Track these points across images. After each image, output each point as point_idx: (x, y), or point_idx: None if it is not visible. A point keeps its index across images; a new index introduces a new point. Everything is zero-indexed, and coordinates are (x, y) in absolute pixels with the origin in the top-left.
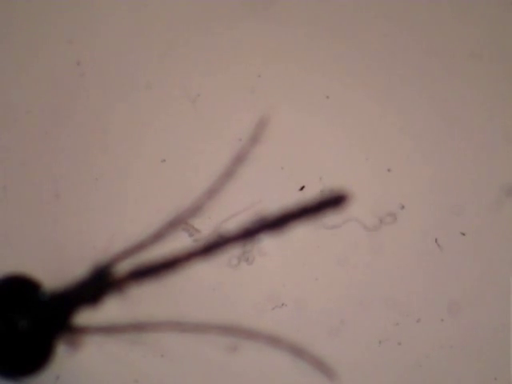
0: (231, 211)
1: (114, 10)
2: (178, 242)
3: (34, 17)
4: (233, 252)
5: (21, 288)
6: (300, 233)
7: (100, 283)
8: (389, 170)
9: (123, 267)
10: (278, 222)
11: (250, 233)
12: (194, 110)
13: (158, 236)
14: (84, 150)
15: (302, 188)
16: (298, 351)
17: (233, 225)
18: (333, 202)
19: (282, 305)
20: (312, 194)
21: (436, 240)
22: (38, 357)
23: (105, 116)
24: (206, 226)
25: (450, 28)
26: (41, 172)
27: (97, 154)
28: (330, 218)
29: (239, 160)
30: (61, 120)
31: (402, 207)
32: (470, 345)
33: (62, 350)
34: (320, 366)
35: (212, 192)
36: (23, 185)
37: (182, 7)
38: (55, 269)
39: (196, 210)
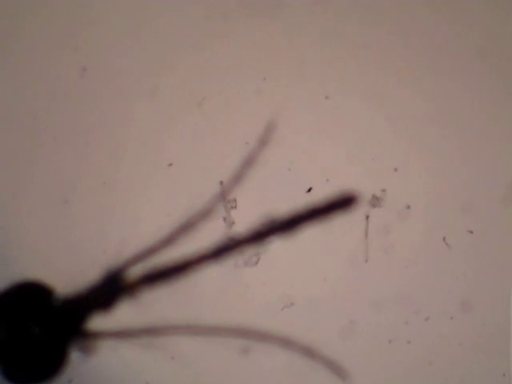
0: (241, 214)
1: (118, 15)
2: (190, 245)
3: (40, 24)
4: (242, 254)
5: (33, 294)
6: (308, 233)
7: (112, 288)
8: (395, 170)
9: (135, 271)
10: (288, 224)
11: (260, 235)
12: (199, 114)
13: (169, 240)
14: (91, 155)
15: (310, 190)
16: (309, 352)
17: (243, 227)
18: (342, 203)
19: (291, 304)
20: (319, 195)
21: (444, 238)
22: (52, 362)
23: (111, 121)
24: (217, 229)
25: (454, 27)
26: (49, 177)
27: (104, 158)
28: (339, 218)
29: (248, 163)
30: (68, 125)
31: (410, 206)
32: (479, 342)
33: (74, 355)
34: (332, 366)
35: (221, 195)
36: (32, 191)
37: (187, 11)
38: (67, 274)
39: (206, 213)
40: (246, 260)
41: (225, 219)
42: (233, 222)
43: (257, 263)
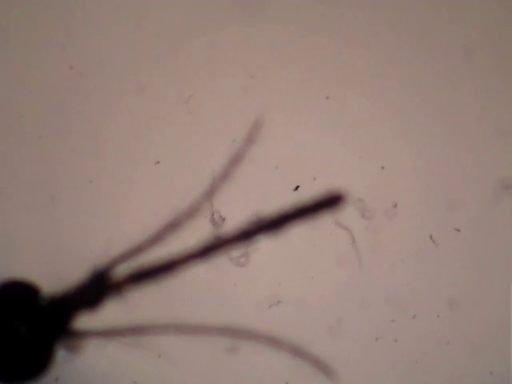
0: (227, 212)
1: (105, 13)
2: (177, 244)
3: (27, 23)
4: (229, 253)
5: (19, 293)
6: (295, 232)
7: (98, 287)
8: (382, 168)
9: (121, 270)
10: (275, 223)
11: (247, 234)
12: (187, 111)
13: (155, 238)
14: (78, 153)
15: (297, 188)
16: (296, 351)
17: (230, 226)
18: (329, 202)
19: (278, 302)
20: (307, 193)
21: (431, 236)
22: (38, 362)
23: (98, 118)
24: (203, 228)
25: (444, 26)
26: (36, 176)
27: (91, 156)
28: (326, 217)
29: (235, 161)
30: (55, 123)
31: (397, 204)
32: (466, 340)
33: (61, 354)
34: (319, 365)
35: (208, 193)
36: (18, 189)
37: (174, 9)
38: (53, 273)
39: (193, 211)
40: (234, 259)
41: (211, 218)
42: (220, 221)
43: (245, 263)
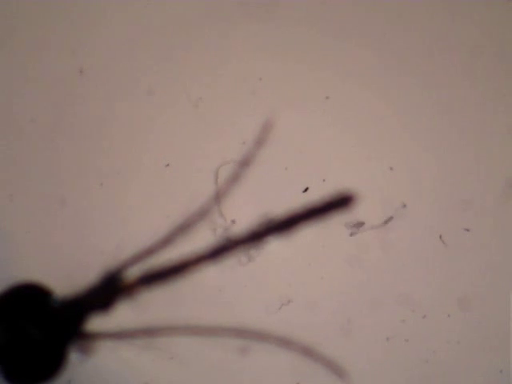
0: (237, 214)
1: (114, 17)
2: (187, 245)
3: (37, 27)
4: (239, 254)
5: (31, 296)
6: (305, 233)
7: (110, 289)
8: (391, 169)
9: (133, 272)
10: (285, 225)
11: (257, 236)
12: (196, 114)
13: (166, 241)
14: (88, 156)
15: (306, 189)
16: (307, 351)
17: (240, 228)
18: (339, 203)
19: (289, 303)
20: (316, 195)
21: (440, 236)
22: (51, 364)
23: (108, 122)
24: (214, 230)
25: (449, 25)
26: (46, 179)
27: (101, 159)
28: (335, 218)
29: (245, 163)
30: (65, 127)
31: (406, 205)
32: (476, 339)
33: (73, 356)
34: (331, 366)
35: (218, 196)
36: (29, 192)
37: (182, 11)
38: (65, 275)
39: (203, 214)
40: (244, 260)
41: (221, 219)
42: (229, 223)
43: (256, 264)
